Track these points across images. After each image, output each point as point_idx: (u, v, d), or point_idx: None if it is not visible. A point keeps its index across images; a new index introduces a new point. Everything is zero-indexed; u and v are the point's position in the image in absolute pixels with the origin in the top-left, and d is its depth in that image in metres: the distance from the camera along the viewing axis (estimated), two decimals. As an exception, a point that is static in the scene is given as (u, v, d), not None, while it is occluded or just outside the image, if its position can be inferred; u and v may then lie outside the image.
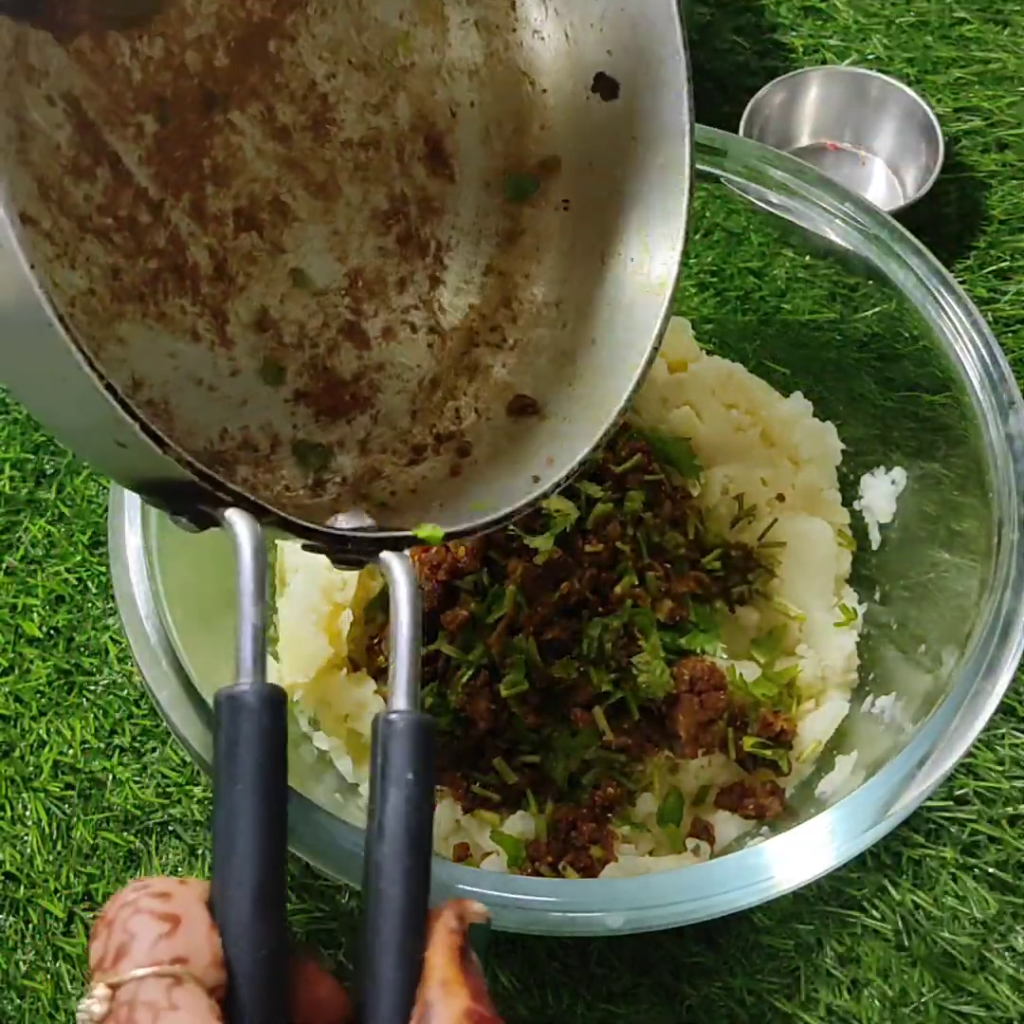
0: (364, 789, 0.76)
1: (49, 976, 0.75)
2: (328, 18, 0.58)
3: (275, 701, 0.42)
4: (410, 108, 0.62)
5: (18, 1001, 0.74)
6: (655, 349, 0.62)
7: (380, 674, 0.77)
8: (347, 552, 0.51)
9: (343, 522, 0.53)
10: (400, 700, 0.46)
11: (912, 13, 1.19)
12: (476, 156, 0.65)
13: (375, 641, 0.78)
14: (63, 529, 0.93)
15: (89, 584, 0.90)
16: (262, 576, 0.44)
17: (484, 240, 0.66)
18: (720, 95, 1.14)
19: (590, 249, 0.66)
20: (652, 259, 0.64)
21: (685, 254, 0.63)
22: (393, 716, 0.45)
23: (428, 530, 0.54)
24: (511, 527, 0.76)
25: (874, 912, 0.74)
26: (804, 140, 1.10)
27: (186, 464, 0.43)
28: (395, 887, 0.42)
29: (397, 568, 0.50)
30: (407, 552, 0.52)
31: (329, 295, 0.60)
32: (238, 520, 0.45)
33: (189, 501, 0.46)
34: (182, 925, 0.38)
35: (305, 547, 0.51)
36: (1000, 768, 0.79)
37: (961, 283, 0.81)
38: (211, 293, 0.55)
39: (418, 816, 0.44)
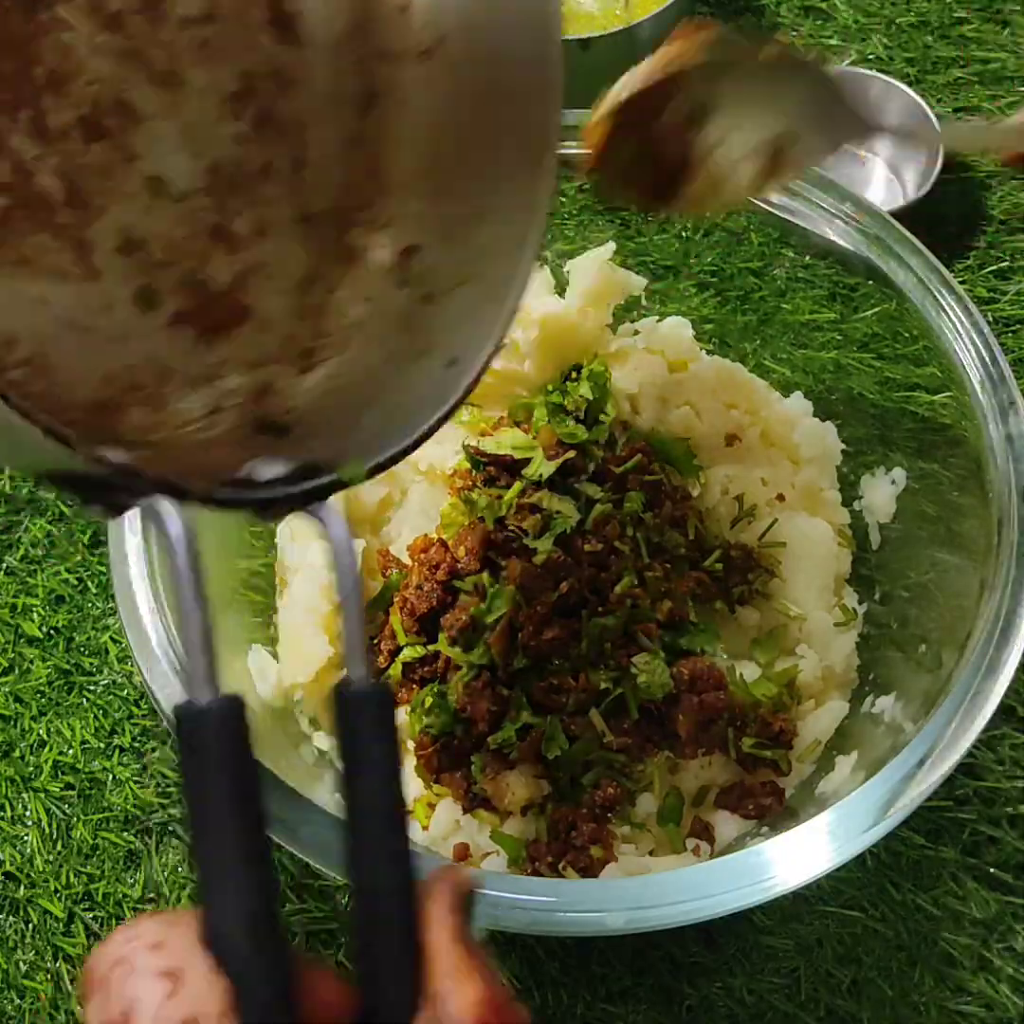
0: (364, 789, 0.76)
1: (49, 976, 0.75)
2: None
3: (239, 711, 0.40)
4: None
5: (18, 1001, 0.74)
6: (542, 228, 0.56)
7: (380, 674, 0.77)
8: (271, 512, 0.49)
9: (260, 469, 0.49)
10: (357, 667, 0.44)
11: (912, 13, 1.19)
12: (322, 11, 0.58)
13: (375, 641, 0.78)
14: (63, 529, 0.93)
15: (89, 584, 0.90)
16: (198, 567, 0.41)
17: (343, 107, 0.60)
18: (720, 95, 1.14)
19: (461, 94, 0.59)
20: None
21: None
22: (355, 687, 0.43)
23: (350, 469, 0.50)
24: (511, 527, 0.76)
25: (874, 912, 0.74)
26: (804, 140, 1.10)
27: (98, 460, 0.41)
28: (384, 875, 0.41)
29: (330, 520, 0.47)
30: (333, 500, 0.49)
31: (192, 198, 0.54)
32: (164, 508, 0.42)
33: (103, 492, 0.43)
34: (184, 981, 0.36)
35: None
36: (1000, 768, 0.79)
37: (961, 283, 0.81)
38: (69, 222, 0.50)
39: (392, 793, 0.42)
